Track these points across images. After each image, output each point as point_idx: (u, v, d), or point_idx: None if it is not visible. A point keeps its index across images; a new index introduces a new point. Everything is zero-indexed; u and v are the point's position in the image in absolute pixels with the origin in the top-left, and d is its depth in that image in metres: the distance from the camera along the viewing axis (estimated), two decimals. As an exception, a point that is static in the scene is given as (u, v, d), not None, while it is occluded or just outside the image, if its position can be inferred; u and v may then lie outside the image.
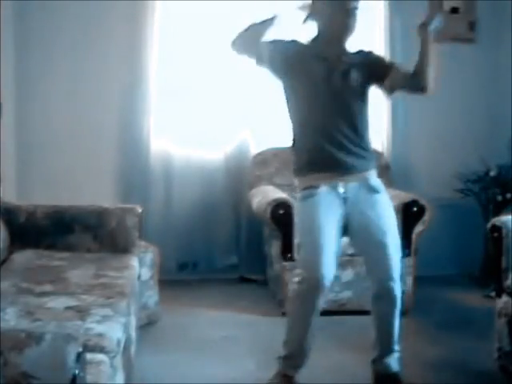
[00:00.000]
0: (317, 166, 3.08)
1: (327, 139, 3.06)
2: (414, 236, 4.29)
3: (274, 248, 4.32)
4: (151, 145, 4.93)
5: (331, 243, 3.03)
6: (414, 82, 3.29)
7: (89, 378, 2.14)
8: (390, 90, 3.30)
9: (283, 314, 4.24)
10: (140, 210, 3.81)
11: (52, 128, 4.89)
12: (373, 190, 3.13)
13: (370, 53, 3.28)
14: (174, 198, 5.00)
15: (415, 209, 4.27)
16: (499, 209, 4.80)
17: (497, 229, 3.35)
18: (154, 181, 4.96)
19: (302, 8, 3.17)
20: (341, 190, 3.07)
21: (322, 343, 3.84)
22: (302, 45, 3.16)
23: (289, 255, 4.18)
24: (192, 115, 4.96)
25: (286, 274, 4.21)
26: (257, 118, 5.00)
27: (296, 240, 3.44)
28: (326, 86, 3.08)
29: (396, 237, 3.15)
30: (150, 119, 4.92)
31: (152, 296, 3.99)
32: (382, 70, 3.21)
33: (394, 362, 3.24)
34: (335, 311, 4.23)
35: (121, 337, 2.63)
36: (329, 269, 3.02)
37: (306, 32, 3.20)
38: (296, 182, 3.17)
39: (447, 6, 5.12)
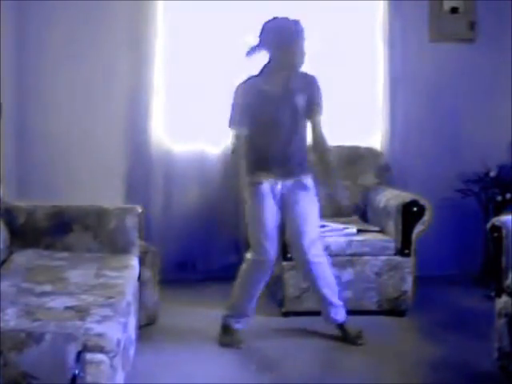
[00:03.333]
0: (263, 168, 3.75)
1: (273, 150, 3.74)
2: (413, 236, 4.28)
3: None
4: (152, 146, 4.93)
5: (273, 229, 3.77)
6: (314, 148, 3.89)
7: (89, 378, 2.14)
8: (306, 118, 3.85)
9: (283, 314, 4.26)
10: (140, 210, 3.81)
11: (52, 128, 4.89)
12: (303, 189, 3.78)
13: (314, 83, 3.80)
14: (174, 199, 5.00)
15: (415, 209, 4.27)
16: (499, 209, 4.80)
17: (497, 229, 3.35)
18: (154, 181, 4.95)
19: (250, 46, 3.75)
20: (279, 187, 3.76)
21: (322, 343, 3.85)
22: (251, 81, 3.77)
23: (289, 255, 4.18)
24: (193, 115, 4.96)
25: (285, 274, 4.22)
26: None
27: (247, 225, 3.91)
28: (275, 107, 3.71)
29: (313, 222, 3.82)
30: (152, 119, 4.91)
31: (152, 296, 3.98)
32: (311, 106, 3.79)
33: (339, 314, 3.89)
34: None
35: (121, 337, 2.63)
36: (273, 251, 3.78)
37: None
38: (246, 179, 3.78)
39: (447, 5, 5.12)
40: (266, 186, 3.75)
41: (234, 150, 3.84)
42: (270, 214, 3.75)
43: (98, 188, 4.85)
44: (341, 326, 3.89)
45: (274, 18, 3.72)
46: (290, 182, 3.77)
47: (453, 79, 5.16)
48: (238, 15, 4.89)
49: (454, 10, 5.13)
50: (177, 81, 4.93)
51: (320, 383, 3.40)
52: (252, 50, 3.75)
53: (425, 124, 5.15)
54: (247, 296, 3.86)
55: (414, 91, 5.10)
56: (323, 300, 3.87)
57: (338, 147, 4.89)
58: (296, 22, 3.68)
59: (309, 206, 3.80)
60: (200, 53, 4.92)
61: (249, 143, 3.79)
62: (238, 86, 3.79)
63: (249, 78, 3.80)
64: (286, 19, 3.72)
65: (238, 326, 3.88)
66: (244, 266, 3.88)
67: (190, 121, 4.97)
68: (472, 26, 5.15)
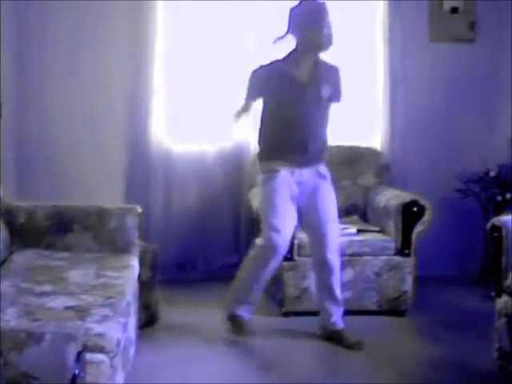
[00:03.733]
0: (280, 155, 3.74)
1: (294, 138, 3.72)
2: (413, 236, 4.29)
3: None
4: (152, 146, 4.93)
5: (286, 217, 3.72)
6: None
7: (89, 378, 2.14)
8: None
9: (283, 314, 4.26)
10: (140, 210, 3.81)
11: (52, 128, 4.89)
12: (320, 177, 3.80)
13: (338, 74, 3.84)
14: (174, 199, 5.00)
15: (415, 209, 4.27)
16: (499, 209, 4.79)
17: (497, 229, 3.35)
18: (155, 181, 4.95)
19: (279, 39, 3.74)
20: (295, 176, 3.75)
21: (322, 343, 3.85)
22: (276, 64, 3.74)
23: (289, 255, 4.18)
24: (193, 115, 4.96)
25: (285, 274, 4.22)
26: (257, 117, 4.98)
27: (260, 214, 3.88)
28: (298, 94, 3.69)
29: (335, 214, 3.83)
30: (152, 119, 4.91)
31: (151, 296, 3.98)
32: (333, 97, 3.83)
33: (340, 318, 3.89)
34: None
35: (120, 337, 2.63)
36: (284, 238, 3.73)
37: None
38: (260, 165, 3.82)
39: (447, 5, 5.12)
40: (282, 173, 3.73)
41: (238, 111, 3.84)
42: (284, 202, 3.72)
43: (98, 188, 4.85)
44: (339, 332, 3.85)
45: (300, 2, 3.71)
46: (306, 171, 3.77)
47: (453, 79, 5.16)
48: (238, 15, 4.90)
49: (454, 10, 5.13)
50: (177, 81, 4.93)
51: (320, 383, 3.40)
52: (279, 38, 3.72)
53: (425, 124, 5.15)
54: (254, 283, 3.83)
55: (414, 91, 5.10)
56: (327, 300, 3.86)
57: (338, 147, 4.89)
58: (322, 4, 3.68)
59: (328, 195, 3.81)
60: (200, 53, 4.92)
61: (268, 128, 3.79)
62: (257, 68, 3.76)
63: (272, 62, 3.77)
64: (311, 1, 3.71)
65: (241, 312, 3.87)
66: (253, 253, 3.82)
67: (189, 121, 4.97)
68: (472, 26, 5.15)
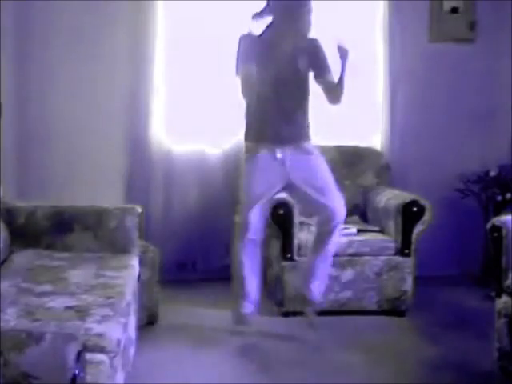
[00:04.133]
0: (260, 134, 3.73)
1: (272, 112, 3.70)
2: (413, 236, 4.29)
3: (274, 248, 4.31)
4: (152, 146, 4.93)
5: (261, 199, 3.75)
6: (333, 94, 3.84)
7: (89, 378, 2.14)
8: (316, 81, 3.83)
9: (283, 314, 4.26)
10: (140, 210, 3.81)
11: (52, 128, 4.89)
12: (307, 153, 3.77)
13: (316, 45, 3.80)
14: (174, 199, 5.00)
15: (415, 209, 4.27)
16: (499, 209, 4.80)
17: (497, 229, 3.35)
18: (154, 181, 4.95)
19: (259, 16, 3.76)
20: (278, 155, 3.72)
21: (322, 343, 3.85)
22: (256, 38, 3.72)
23: (289, 255, 4.18)
24: (193, 115, 4.96)
25: (285, 274, 4.22)
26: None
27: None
28: (276, 68, 3.67)
29: (333, 185, 3.82)
30: (152, 119, 4.92)
31: (151, 296, 3.98)
32: (320, 67, 3.78)
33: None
34: (335, 311, 4.23)
35: (121, 337, 2.63)
36: (255, 219, 3.78)
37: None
38: (244, 144, 3.84)
39: (447, 5, 5.12)
40: (262, 155, 3.72)
41: (245, 89, 3.72)
42: (261, 186, 3.73)
43: (98, 188, 4.85)
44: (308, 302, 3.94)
45: None
46: (289, 149, 3.74)
47: (453, 79, 5.16)
48: (238, 15, 4.88)
49: (454, 10, 5.13)
50: (177, 81, 4.93)
51: (320, 383, 3.40)
52: (259, 14, 3.73)
53: (425, 124, 5.15)
54: (243, 277, 3.88)
55: (414, 91, 5.10)
56: (316, 259, 3.93)
57: (338, 147, 4.90)
58: None
59: (320, 169, 3.81)
60: (200, 53, 4.92)
61: (249, 106, 3.77)
62: (243, 35, 3.75)
63: (251, 34, 3.76)
64: None
65: (245, 310, 3.90)
66: (235, 245, 3.92)
67: (190, 121, 4.97)
68: (472, 26, 5.15)
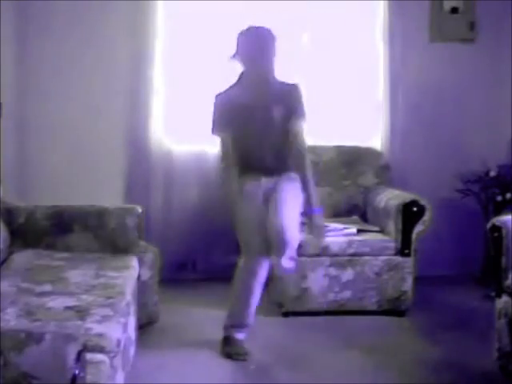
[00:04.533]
0: (247, 173, 3.70)
1: (253, 160, 3.70)
2: (413, 236, 4.29)
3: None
4: (152, 146, 4.93)
5: (261, 230, 3.59)
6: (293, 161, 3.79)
7: (89, 378, 2.14)
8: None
9: (283, 314, 4.26)
10: (140, 210, 3.81)
11: (52, 128, 4.89)
12: (287, 179, 3.70)
13: (292, 93, 3.71)
14: (174, 199, 5.00)
15: (415, 209, 4.27)
16: (499, 209, 4.79)
17: (497, 229, 3.35)
18: (154, 181, 4.95)
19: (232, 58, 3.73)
20: (262, 182, 3.69)
21: (322, 343, 3.85)
22: (229, 91, 3.75)
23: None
24: (193, 115, 4.95)
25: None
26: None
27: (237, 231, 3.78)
28: (250, 119, 3.67)
29: (293, 220, 3.62)
30: (152, 119, 4.91)
31: (151, 296, 3.98)
32: (290, 116, 3.69)
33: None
34: (335, 311, 4.23)
35: (120, 337, 2.63)
36: (263, 253, 3.60)
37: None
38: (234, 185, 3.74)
39: (447, 5, 5.12)
40: (251, 185, 3.68)
41: (223, 157, 3.75)
42: (257, 215, 3.63)
43: (98, 188, 4.85)
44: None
45: (246, 29, 3.69)
46: (272, 180, 3.69)
47: (453, 79, 5.16)
48: (238, 15, 4.89)
49: (454, 10, 5.13)
50: (177, 81, 4.93)
51: (320, 383, 3.40)
52: (233, 56, 3.73)
53: (425, 124, 5.15)
54: (244, 304, 3.72)
55: (414, 91, 5.10)
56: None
57: (338, 147, 4.91)
58: (264, 32, 3.66)
59: (289, 198, 3.65)
60: (200, 53, 4.93)
61: (233, 153, 3.73)
62: (217, 95, 3.77)
63: (227, 89, 3.78)
64: (255, 28, 3.69)
65: (239, 336, 3.73)
66: (237, 273, 3.74)
67: (190, 121, 4.97)
68: (472, 26, 5.15)
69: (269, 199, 3.68)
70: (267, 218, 3.62)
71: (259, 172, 3.72)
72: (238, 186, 3.72)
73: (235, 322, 3.74)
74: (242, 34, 3.70)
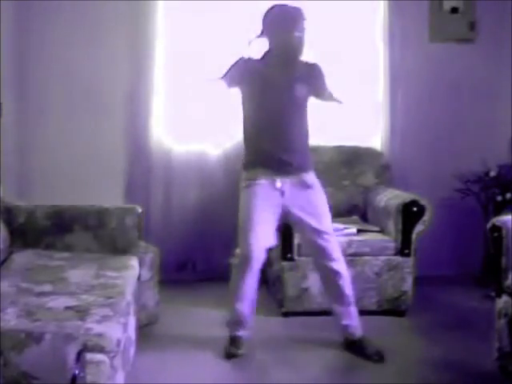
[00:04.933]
0: (260, 163, 3.63)
1: (271, 142, 3.61)
2: (413, 236, 4.29)
3: (274, 248, 4.31)
4: (152, 146, 4.93)
5: (264, 229, 3.59)
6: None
7: (89, 378, 2.14)
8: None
9: (283, 314, 4.26)
10: (140, 210, 3.81)
11: (52, 128, 4.89)
12: (306, 187, 3.64)
13: (315, 67, 3.71)
14: (174, 199, 5.00)
15: (415, 209, 4.27)
16: (499, 209, 4.79)
17: (497, 229, 3.35)
18: (154, 181, 4.95)
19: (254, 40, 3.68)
20: (278, 184, 3.60)
21: (322, 343, 3.85)
22: (254, 62, 3.66)
23: (289, 255, 4.18)
24: (193, 115, 4.95)
25: (285, 273, 4.22)
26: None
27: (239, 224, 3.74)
28: (273, 97, 3.59)
29: (328, 224, 3.67)
30: (152, 119, 4.91)
31: (152, 296, 3.98)
32: (319, 88, 3.72)
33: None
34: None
35: (121, 337, 2.63)
36: (259, 251, 3.60)
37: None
38: (243, 174, 3.70)
39: (447, 5, 5.12)
40: (262, 183, 3.61)
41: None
42: (263, 213, 3.58)
43: (98, 188, 4.85)
44: (356, 342, 3.71)
45: (275, 6, 3.63)
46: (289, 181, 3.61)
47: (453, 79, 5.16)
48: (239, 15, 4.89)
49: (454, 10, 5.13)
50: (177, 81, 4.93)
51: (320, 382, 3.40)
52: (254, 38, 3.65)
53: (425, 124, 5.15)
54: (240, 301, 3.70)
55: (414, 91, 5.10)
56: (336, 302, 3.75)
57: (338, 147, 4.91)
58: (296, 9, 3.60)
59: (318, 205, 3.65)
60: (200, 53, 4.92)
61: (248, 135, 3.69)
62: (242, 57, 3.66)
63: (253, 59, 3.67)
64: (285, 6, 3.63)
65: (241, 333, 3.74)
66: (233, 270, 3.75)
67: (190, 121, 4.97)
68: (472, 26, 5.15)
69: (289, 206, 3.62)
70: (276, 219, 3.63)
71: (275, 164, 3.59)
72: (247, 178, 3.65)
73: (235, 321, 3.74)
74: (268, 12, 3.63)
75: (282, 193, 3.62)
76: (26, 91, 4.81)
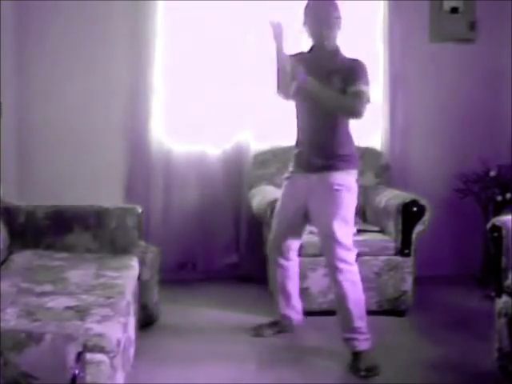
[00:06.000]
0: (297, 157, 3.72)
1: (306, 142, 3.66)
2: (413, 236, 4.29)
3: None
4: (152, 146, 4.93)
5: (287, 225, 3.77)
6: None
7: (89, 378, 2.14)
8: None
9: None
10: (140, 210, 3.81)
11: (52, 128, 4.89)
12: (331, 189, 3.56)
13: (356, 62, 3.60)
14: (174, 199, 5.00)
15: (415, 209, 4.27)
16: (499, 209, 4.79)
17: (497, 229, 3.35)
18: (154, 181, 4.95)
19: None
20: (304, 180, 3.64)
21: (322, 343, 3.85)
22: (299, 57, 3.63)
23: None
24: (193, 115, 4.96)
25: (285, 273, 4.21)
26: (257, 118, 4.99)
27: None
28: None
29: (337, 225, 3.55)
30: (152, 119, 4.91)
31: (151, 296, 3.98)
32: (347, 79, 3.54)
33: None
34: (335, 311, 4.22)
35: (121, 337, 2.63)
36: (285, 239, 3.80)
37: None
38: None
39: (447, 5, 5.12)
40: (295, 177, 3.72)
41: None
42: (287, 210, 3.75)
43: (98, 188, 4.85)
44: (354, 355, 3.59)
45: (311, 1, 3.62)
46: (315, 178, 3.59)
47: (453, 79, 5.16)
48: (239, 15, 4.89)
49: (453, 10, 5.13)
50: (177, 81, 4.93)
51: (320, 383, 3.40)
52: (300, 30, 3.65)
53: (425, 124, 5.15)
54: (278, 295, 3.95)
55: (414, 91, 5.10)
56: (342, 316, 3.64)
57: (338, 147, 4.89)
58: (329, 5, 3.57)
59: (328, 207, 3.55)
60: (200, 53, 4.92)
61: (296, 127, 3.73)
62: (294, 54, 3.64)
63: (300, 53, 3.70)
64: (319, 3, 3.60)
65: (288, 313, 3.97)
66: (269, 261, 4.00)
67: (190, 121, 4.97)
68: (472, 26, 5.15)
69: (309, 203, 3.63)
70: (300, 215, 3.71)
71: (307, 158, 3.63)
72: (287, 170, 3.79)
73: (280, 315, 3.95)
74: (307, 6, 3.62)
75: (310, 189, 3.62)
76: (25, 91, 4.81)
